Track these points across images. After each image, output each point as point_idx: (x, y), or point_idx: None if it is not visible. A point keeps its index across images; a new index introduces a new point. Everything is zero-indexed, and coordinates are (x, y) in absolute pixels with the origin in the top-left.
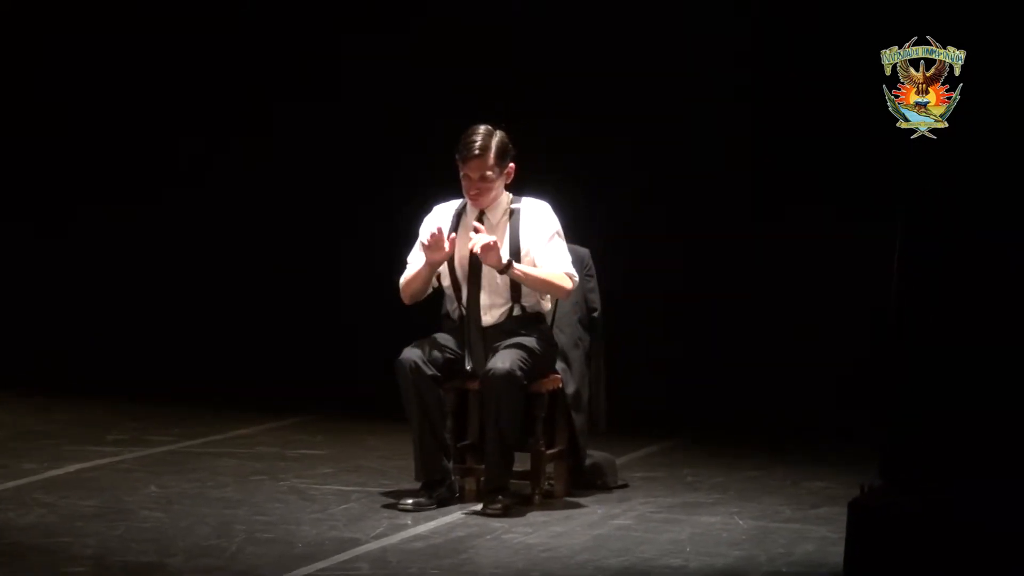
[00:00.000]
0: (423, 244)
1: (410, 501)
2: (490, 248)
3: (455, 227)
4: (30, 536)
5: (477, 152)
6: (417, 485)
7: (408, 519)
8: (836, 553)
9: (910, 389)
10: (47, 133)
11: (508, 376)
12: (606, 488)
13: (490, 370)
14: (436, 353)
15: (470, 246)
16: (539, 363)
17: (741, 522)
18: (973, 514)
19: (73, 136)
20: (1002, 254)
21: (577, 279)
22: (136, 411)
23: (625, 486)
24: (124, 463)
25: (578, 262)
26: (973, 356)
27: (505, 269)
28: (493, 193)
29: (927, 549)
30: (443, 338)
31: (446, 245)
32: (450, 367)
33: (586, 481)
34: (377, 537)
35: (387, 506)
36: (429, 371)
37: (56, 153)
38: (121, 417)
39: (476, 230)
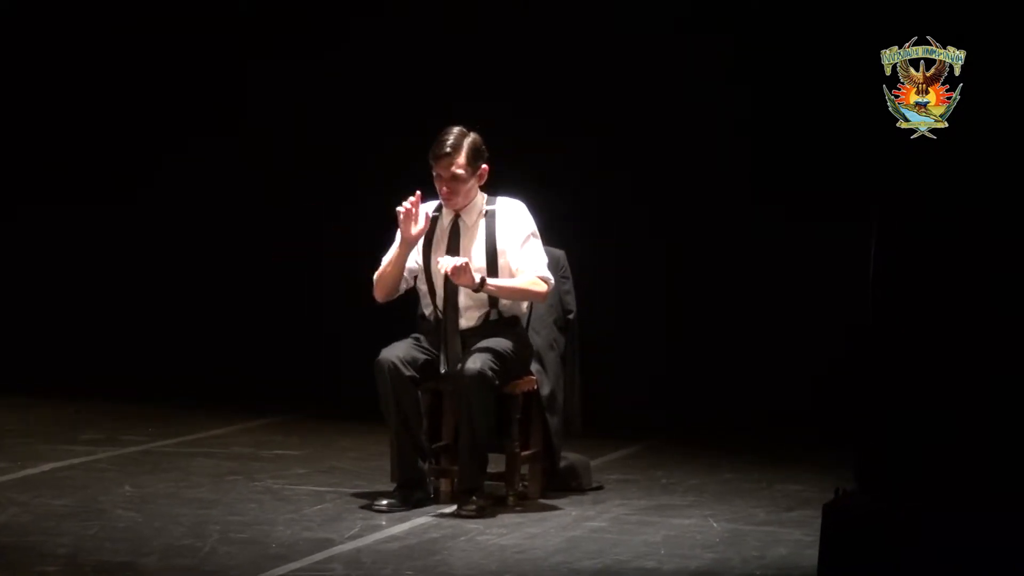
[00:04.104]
0: (399, 213)
1: (385, 502)
2: (461, 271)
3: (431, 230)
4: (3, 535)
5: (447, 151)
6: (392, 486)
7: (383, 520)
8: (810, 556)
9: (886, 393)
10: (19, 130)
11: (479, 376)
12: (580, 490)
13: (461, 371)
14: (415, 354)
15: (440, 269)
16: (512, 364)
17: (715, 524)
18: (946, 519)
19: (53, 134)
20: (992, 256)
21: (552, 282)
22: (110, 411)
23: (600, 488)
24: (98, 463)
25: (553, 264)
26: (950, 360)
27: (479, 288)
28: (466, 194)
29: (901, 553)
30: (420, 339)
31: (422, 220)
32: (427, 368)
33: (560, 483)
34: (351, 538)
35: (362, 507)
36: (407, 372)
37: (30, 151)
38: (95, 416)
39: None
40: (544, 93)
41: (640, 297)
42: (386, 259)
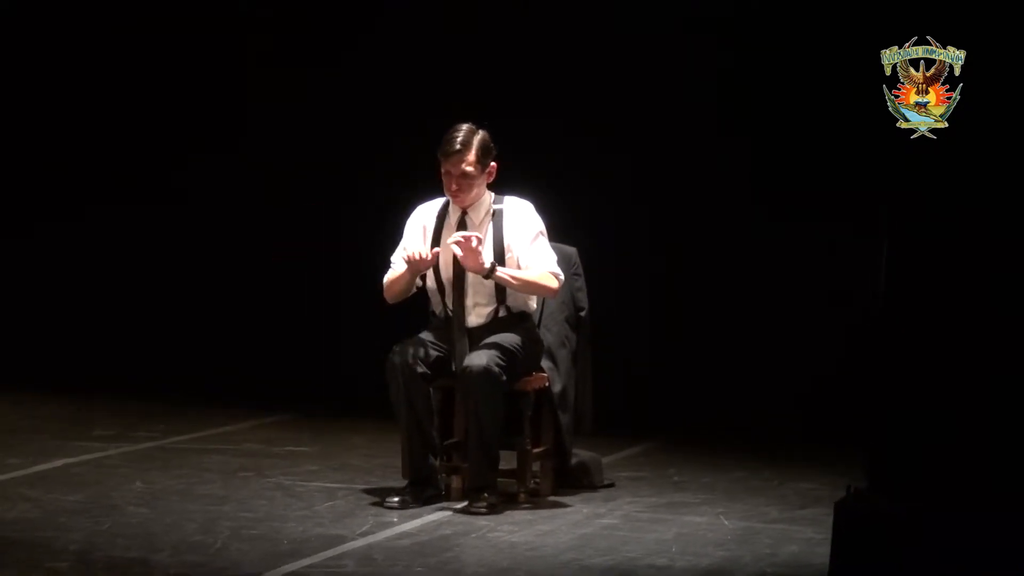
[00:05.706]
0: (405, 260)
1: (396, 499)
2: (471, 251)
3: (438, 227)
4: (14, 530)
5: (458, 147)
6: (403, 483)
7: (394, 517)
8: (821, 554)
9: (897, 391)
10: (23, 132)
11: (484, 372)
12: (592, 487)
13: (467, 367)
14: (427, 351)
15: (450, 242)
16: (520, 360)
17: (727, 522)
18: (959, 518)
19: (55, 138)
20: (993, 256)
21: (563, 278)
22: (122, 407)
23: (611, 485)
24: (110, 459)
25: (565, 261)
26: (960, 358)
27: (488, 274)
28: (475, 192)
29: (912, 551)
30: (431, 336)
31: (427, 256)
32: (439, 365)
33: (572, 480)
34: (363, 534)
35: (373, 504)
36: (420, 369)
37: (35, 154)
38: (107, 413)
39: (461, 238)
40: (544, 93)
41: (640, 297)
42: (394, 267)
